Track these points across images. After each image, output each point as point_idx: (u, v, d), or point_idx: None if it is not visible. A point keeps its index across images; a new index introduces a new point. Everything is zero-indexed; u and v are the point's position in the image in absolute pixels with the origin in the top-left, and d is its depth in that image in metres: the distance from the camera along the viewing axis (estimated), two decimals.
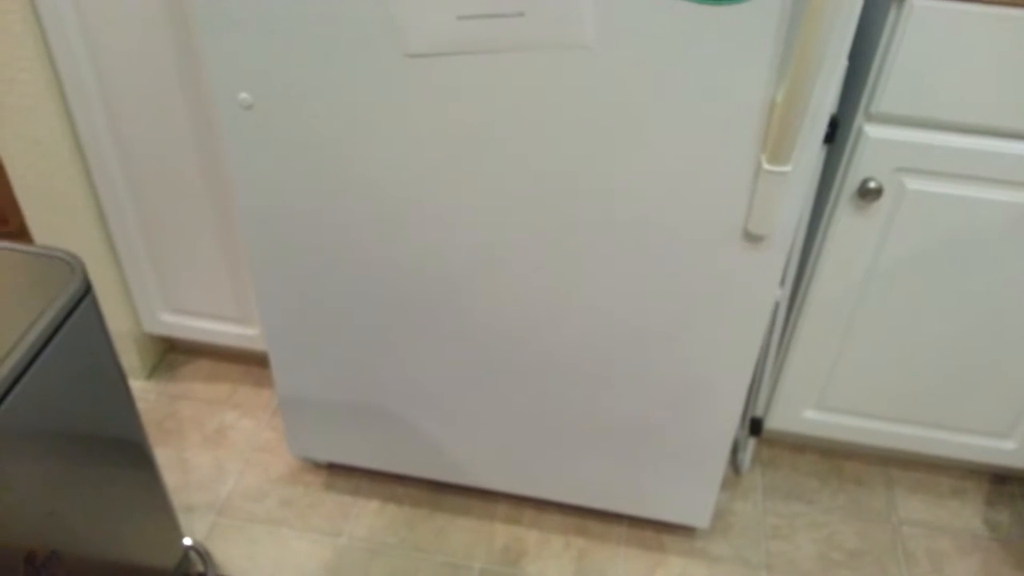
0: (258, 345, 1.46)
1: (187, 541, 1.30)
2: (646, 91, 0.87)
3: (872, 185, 1.05)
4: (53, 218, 1.35)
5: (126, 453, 1.00)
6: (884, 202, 1.08)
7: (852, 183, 1.07)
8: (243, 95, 0.96)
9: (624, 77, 0.87)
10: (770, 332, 1.25)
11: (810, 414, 1.32)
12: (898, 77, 0.98)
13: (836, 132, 1.09)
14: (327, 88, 0.93)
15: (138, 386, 1.55)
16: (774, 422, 1.34)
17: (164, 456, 1.44)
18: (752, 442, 1.41)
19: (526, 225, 1.00)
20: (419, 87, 0.91)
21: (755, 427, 1.36)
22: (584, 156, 0.93)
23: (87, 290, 0.87)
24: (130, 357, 1.53)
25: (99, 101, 1.22)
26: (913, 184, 1.06)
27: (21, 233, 1.42)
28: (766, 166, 0.89)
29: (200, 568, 1.27)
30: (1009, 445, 1.29)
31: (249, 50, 0.92)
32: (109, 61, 1.17)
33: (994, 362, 1.20)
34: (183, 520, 1.34)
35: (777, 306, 1.23)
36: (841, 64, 0.85)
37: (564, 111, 0.90)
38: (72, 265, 0.87)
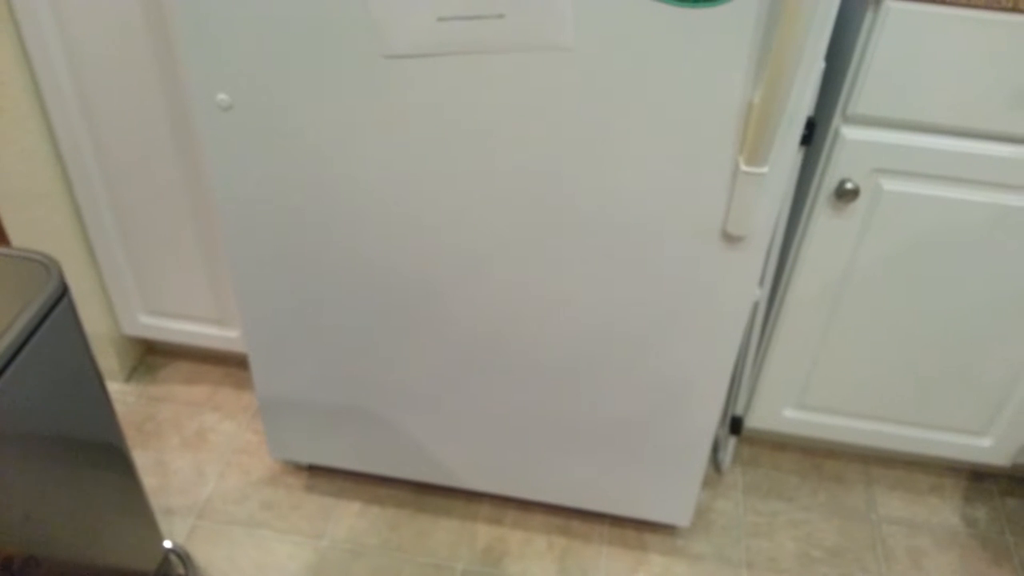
0: (238, 347, 1.45)
1: (167, 544, 1.29)
2: (625, 93, 0.88)
3: (849, 186, 1.06)
4: (30, 220, 1.34)
5: (104, 456, 0.99)
6: (861, 203, 1.09)
7: (829, 184, 1.08)
8: (222, 96, 0.96)
9: (603, 79, 0.87)
10: (749, 332, 1.26)
11: (790, 413, 1.33)
12: (875, 79, 0.99)
13: (813, 133, 1.10)
14: (306, 89, 0.93)
15: (117, 388, 1.54)
16: (754, 421, 1.35)
17: (143, 459, 1.43)
18: (732, 441, 1.42)
19: (505, 226, 1.00)
20: (399, 88, 0.91)
21: (735, 426, 1.37)
22: (563, 157, 0.93)
23: (63, 292, 0.87)
24: (108, 359, 1.51)
25: (77, 102, 1.21)
26: (890, 185, 1.07)
27: None
28: (743, 167, 0.89)
29: (180, 571, 1.27)
30: (986, 442, 1.31)
31: (228, 51, 0.92)
32: (87, 61, 1.16)
33: (971, 360, 1.21)
34: (163, 523, 1.33)
35: (756, 306, 1.24)
36: (818, 66, 0.86)
37: (543, 112, 0.90)
38: (48, 267, 0.87)
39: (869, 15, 0.96)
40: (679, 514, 1.29)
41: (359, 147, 0.97)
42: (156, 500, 1.37)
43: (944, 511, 1.41)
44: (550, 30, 0.84)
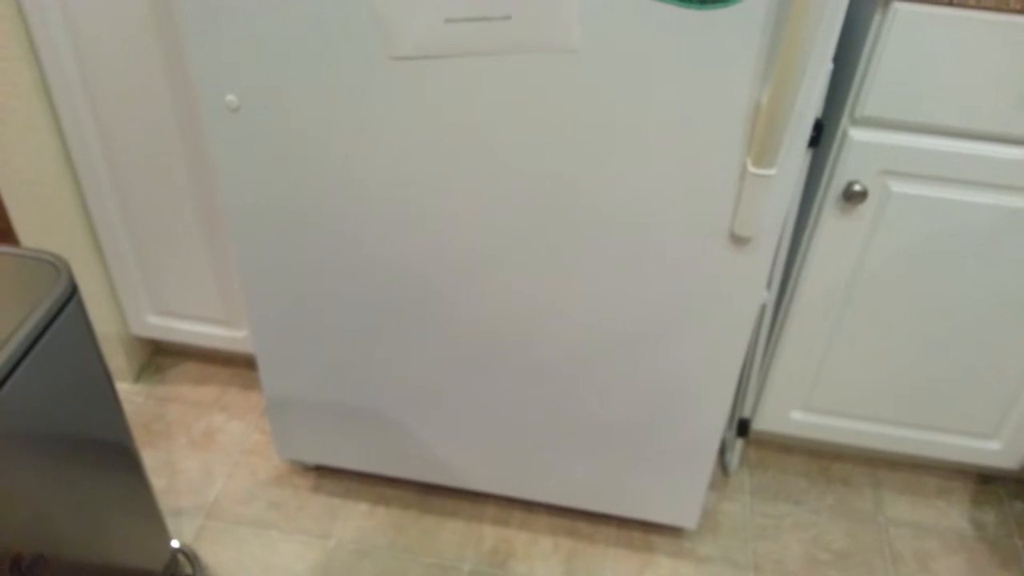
0: (246, 347, 1.45)
1: (175, 544, 1.29)
2: (632, 94, 0.88)
3: (857, 188, 1.06)
4: (39, 220, 1.35)
5: (113, 456, 1.00)
6: (869, 205, 1.08)
7: (837, 186, 1.08)
8: (230, 97, 0.96)
9: (610, 80, 0.87)
10: (757, 334, 1.26)
11: (797, 415, 1.33)
12: (883, 81, 0.99)
13: (821, 135, 1.10)
14: (314, 90, 0.93)
15: (125, 388, 1.55)
16: (762, 423, 1.35)
17: (152, 459, 1.43)
18: (740, 443, 1.42)
19: (512, 227, 1.00)
20: (406, 90, 0.91)
21: (742, 428, 1.36)
22: (570, 159, 0.93)
23: (73, 292, 0.87)
24: (117, 359, 1.52)
25: (85, 102, 1.21)
26: (898, 187, 1.06)
27: (7, 235, 1.42)
28: (751, 169, 0.89)
29: (188, 571, 1.27)
30: (994, 446, 1.30)
31: (236, 52, 0.92)
32: (95, 61, 1.17)
33: (979, 363, 1.21)
34: (171, 523, 1.34)
35: (764, 308, 1.24)
36: (826, 67, 0.86)
37: (550, 114, 0.90)
38: (58, 267, 0.87)
39: (877, 17, 0.96)
40: (686, 516, 1.29)
41: (366, 148, 0.97)
42: (164, 500, 1.37)
43: (952, 514, 1.40)
44: (556, 32, 0.84)
